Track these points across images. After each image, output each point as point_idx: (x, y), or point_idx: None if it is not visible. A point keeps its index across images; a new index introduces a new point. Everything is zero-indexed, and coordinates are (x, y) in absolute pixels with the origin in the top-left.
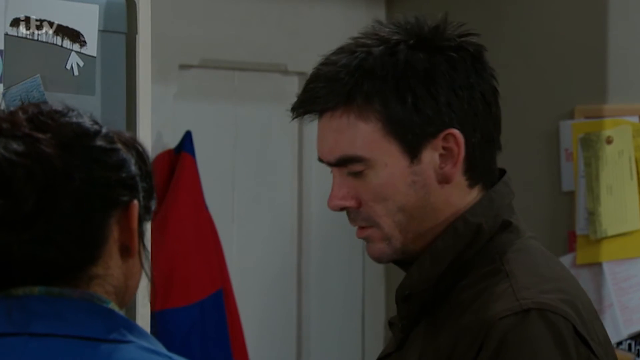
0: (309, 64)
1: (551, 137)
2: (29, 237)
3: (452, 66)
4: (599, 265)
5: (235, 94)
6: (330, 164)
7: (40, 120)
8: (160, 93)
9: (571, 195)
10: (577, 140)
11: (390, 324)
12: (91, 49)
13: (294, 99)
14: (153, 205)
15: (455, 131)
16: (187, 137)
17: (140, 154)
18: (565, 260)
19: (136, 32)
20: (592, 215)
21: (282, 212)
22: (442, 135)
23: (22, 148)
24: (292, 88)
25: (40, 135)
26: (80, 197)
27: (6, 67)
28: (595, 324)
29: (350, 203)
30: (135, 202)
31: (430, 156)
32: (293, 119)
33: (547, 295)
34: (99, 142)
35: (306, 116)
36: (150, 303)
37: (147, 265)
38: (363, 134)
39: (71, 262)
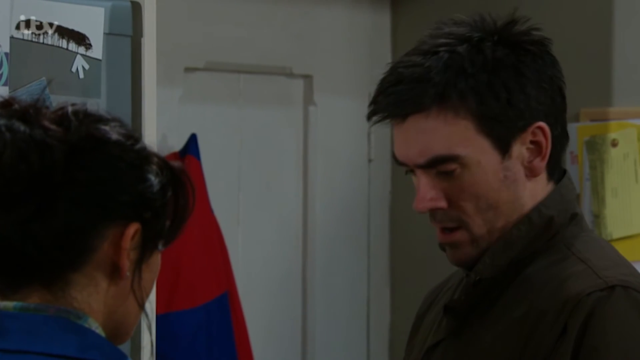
0: (314, 66)
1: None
2: (10, 222)
3: (535, 60)
4: None
5: (241, 97)
6: (418, 166)
7: (67, 117)
8: (165, 96)
9: (576, 198)
10: (582, 143)
11: (447, 308)
12: (97, 51)
13: (299, 102)
14: (170, 239)
15: (543, 124)
16: (193, 140)
17: (178, 186)
18: None
19: (142, 35)
20: (597, 218)
21: (287, 215)
22: (531, 129)
23: (25, 132)
24: (298, 91)
25: (54, 128)
26: (76, 199)
27: (12, 70)
28: None
29: (441, 204)
30: (136, 224)
31: (518, 150)
32: (374, 123)
33: (627, 277)
34: (120, 154)
35: (386, 121)
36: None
37: (138, 292)
38: (458, 132)
39: (49, 262)
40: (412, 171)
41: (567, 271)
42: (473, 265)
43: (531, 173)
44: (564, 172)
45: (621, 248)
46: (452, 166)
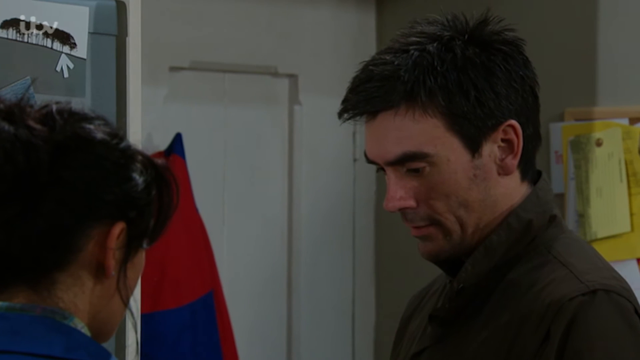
0: (299, 66)
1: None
2: None
3: (505, 59)
4: None
5: (226, 96)
6: (388, 164)
7: (52, 116)
8: (150, 95)
9: (561, 197)
10: (567, 143)
11: (432, 317)
12: (81, 51)
13: (284, 101)
14: (154, 238)
15: (514, 122)
16: (178, 139)
17: (162, 184)
18: None
19: (126, 35)
20: (582, 218)
21: (272, 214)
22: (502, 127)
23: (10, 131)
24: (283, 90)
25: (39, 127)
26: (61, 199)
27: None
28: None
29: (409, 203)
30: (121, 224)
31: (490, 149)
32: (345, 121)
33: (608, 280)
34: (105, 153)
35: (357, 118)
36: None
37: (124, 291)
38: (426, 130)
39: (34, 262)
40: (383, 170)
41: (549, 276)
42: (443, 259)
43: (503, 171)
44: (540, 173)
45: (605, 247)
46: (421, 164)
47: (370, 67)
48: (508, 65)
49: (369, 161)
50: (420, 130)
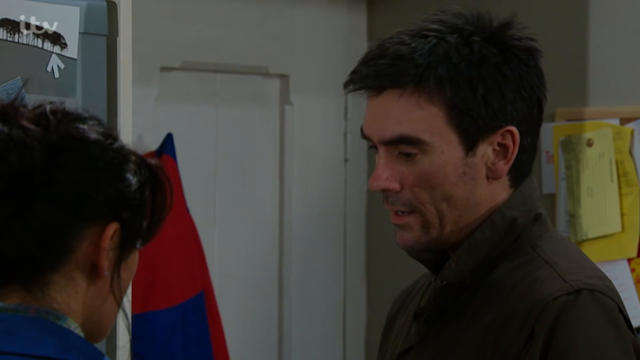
0: (290, 66)
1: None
2: None
3: (520, 66)
4: None
5: (217, 96)
6: (383, 142)
7: (46, 116)
8: (141, 95)
9: (552, 197)
10: (557, 143)
11: (417, 315)
12: (72, 51)
13: (275, 101)
14: (147, 238)
15: (514, 129)
16: (169, 140)
17: (156, 185)
18: None
19: (117, 35)
20: (573, 218)
21: (263, 214)
22: (501, 131)
23: (4, 131)
24: (274, 90)
25: (33, 127)
26: (55, 200)
27: None
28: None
29: (393, 186)
30: (115, 224)
31: (484, 150)
32: (349, 92)
33: (592, 280)
34: (99, 153)
35: (362, 92)
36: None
37: (117, 292)
38: (428, 117)
39: (28, 262)
40: (375, 148)
41: (533, 275)
42: (419, 251)
43: (492, 175)
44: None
45: (596, 248)
46: (414, 150)
47: (386, 45)
48: (521, 71)
49: (364, 136)
50: (422, 116)
